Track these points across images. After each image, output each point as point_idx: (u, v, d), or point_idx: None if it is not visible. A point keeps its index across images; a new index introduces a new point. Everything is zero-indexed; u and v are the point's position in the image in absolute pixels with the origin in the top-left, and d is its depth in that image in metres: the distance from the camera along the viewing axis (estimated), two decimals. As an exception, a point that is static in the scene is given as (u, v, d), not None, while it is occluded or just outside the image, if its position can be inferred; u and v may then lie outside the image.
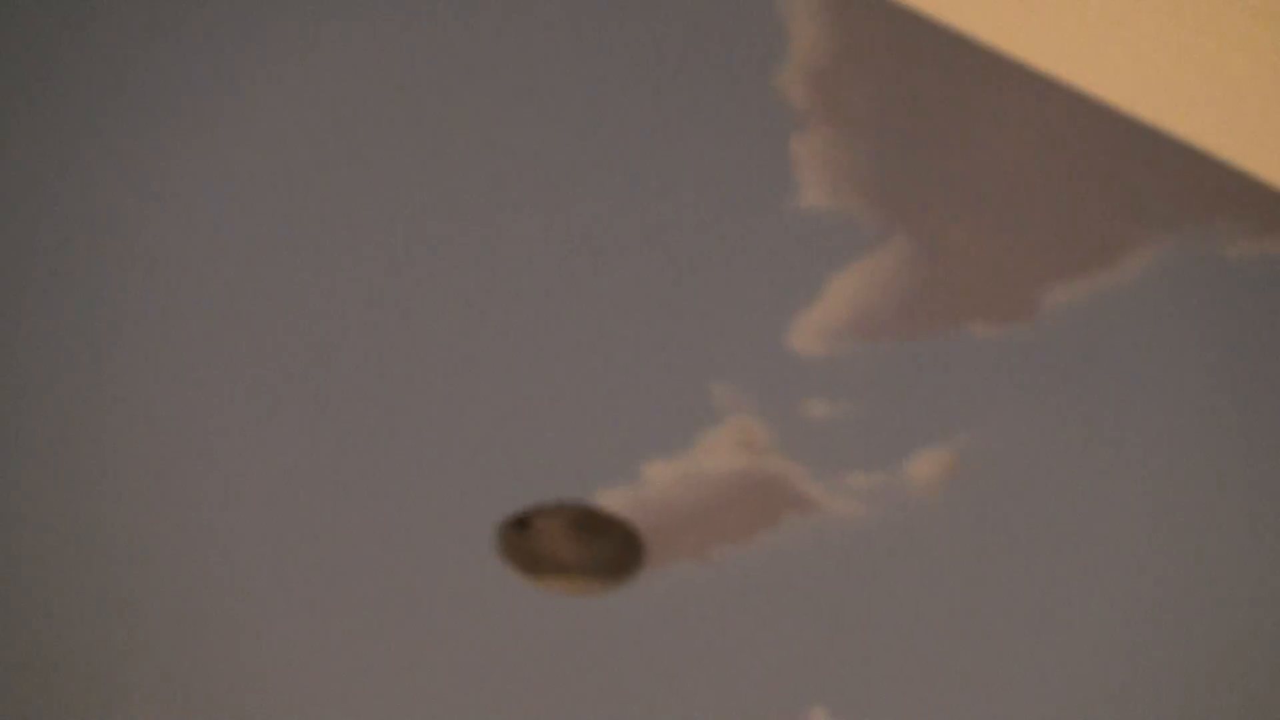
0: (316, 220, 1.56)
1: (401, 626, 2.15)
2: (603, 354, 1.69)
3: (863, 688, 2.20)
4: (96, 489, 1.93)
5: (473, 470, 1.87)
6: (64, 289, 1.60)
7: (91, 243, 1.57)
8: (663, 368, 1.70)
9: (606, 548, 1.99)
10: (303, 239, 1.58)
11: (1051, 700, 2.20)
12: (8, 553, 2.01)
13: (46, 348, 1.70)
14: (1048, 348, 1.64)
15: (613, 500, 1.90)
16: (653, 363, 1.69)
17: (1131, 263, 1.54)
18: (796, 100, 1.41)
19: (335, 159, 1.49)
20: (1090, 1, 1.03)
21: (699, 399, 1.74)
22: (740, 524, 1.92)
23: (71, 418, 1.82)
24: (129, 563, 2.05)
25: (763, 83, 1.39)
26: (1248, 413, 1.71)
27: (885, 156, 1.45)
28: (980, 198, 1.48)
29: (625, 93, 1.41)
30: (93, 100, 1.40)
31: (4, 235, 1.50)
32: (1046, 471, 1.81)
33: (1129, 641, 2.07)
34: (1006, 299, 1.58)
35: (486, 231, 1.56)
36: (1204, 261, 1.53)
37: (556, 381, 1.73)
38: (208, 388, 1.78)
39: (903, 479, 1.83)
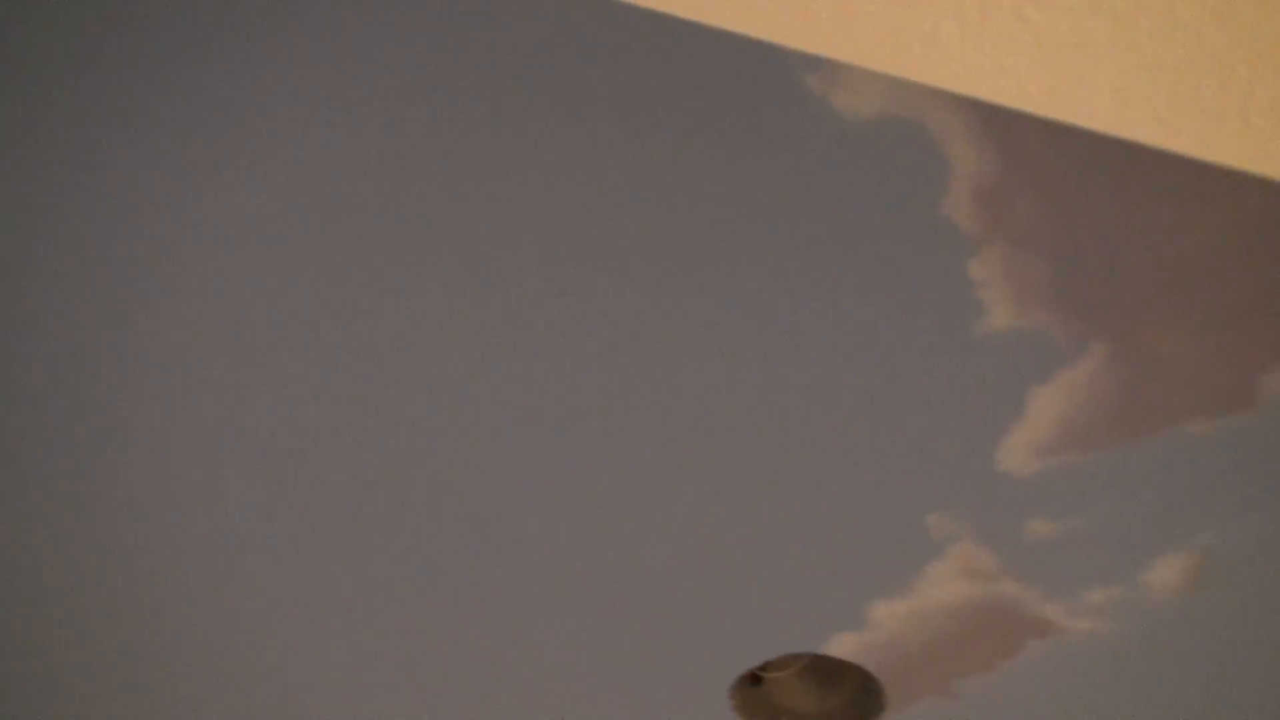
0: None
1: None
2: (815, 500, 1.67)
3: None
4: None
5: (703, 630, 1.86)
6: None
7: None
8: (876, 507, 1.67)
9: (844, 695, 1.94)
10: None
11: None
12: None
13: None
14: (1275, 433, 1.56)
15: (843, 646, 1.86)
16: (865, 503, 1.67)
17: (1351, 333, 1.46)
18: (967, 224, 1.39)
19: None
20: (1255, 92, 1.00)
21: (917, 533, 1.70)
22: (979, 654, 1.86)
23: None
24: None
25: (933, 211, 1.38)
26: None
27: (1066, 267, 1.41)
28: (1172, 293, 1.43)
29: (800, 245, 1.42)
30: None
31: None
32: (1298, 559, 1.71)
33: None
34: (1222, 390, 1.51)
35: (699, 399, 1.57)
36: None
37: (776, 535, 1.71)
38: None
39: (1143, 589, 1.75)
